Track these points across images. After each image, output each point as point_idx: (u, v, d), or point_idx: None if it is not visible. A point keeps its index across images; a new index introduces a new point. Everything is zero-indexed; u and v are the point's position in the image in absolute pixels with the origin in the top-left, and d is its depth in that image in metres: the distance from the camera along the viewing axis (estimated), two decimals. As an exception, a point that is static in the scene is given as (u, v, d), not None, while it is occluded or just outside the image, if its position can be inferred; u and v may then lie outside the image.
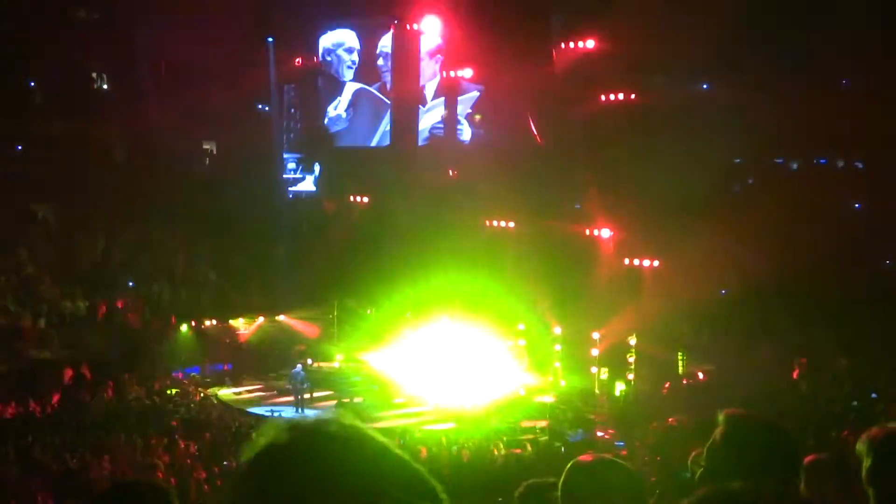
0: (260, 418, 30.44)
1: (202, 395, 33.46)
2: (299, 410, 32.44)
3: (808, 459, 4.64)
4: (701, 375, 32.87)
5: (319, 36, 42.41)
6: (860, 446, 3.84)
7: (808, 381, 29.09)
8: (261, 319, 39.07)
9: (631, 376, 33.32)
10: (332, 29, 42.43)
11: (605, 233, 35.96)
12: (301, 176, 45.24)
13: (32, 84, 44.74)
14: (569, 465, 3.88)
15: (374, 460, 1.87)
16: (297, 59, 43.93)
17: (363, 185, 42.37)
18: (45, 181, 40.61)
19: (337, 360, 37.77)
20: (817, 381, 28.91)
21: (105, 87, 46.68)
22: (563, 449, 26.28)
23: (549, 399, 32.93)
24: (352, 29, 42.23)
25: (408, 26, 40.29)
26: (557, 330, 35.08)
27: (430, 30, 40.50)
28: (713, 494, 1.99)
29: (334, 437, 1.88)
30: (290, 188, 45.63)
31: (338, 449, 1.86)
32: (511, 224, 37.94)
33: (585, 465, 3.90)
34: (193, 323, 37.63)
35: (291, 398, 33.35)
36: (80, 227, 41.00)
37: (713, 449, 3.85)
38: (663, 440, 23.47)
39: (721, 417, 3.88)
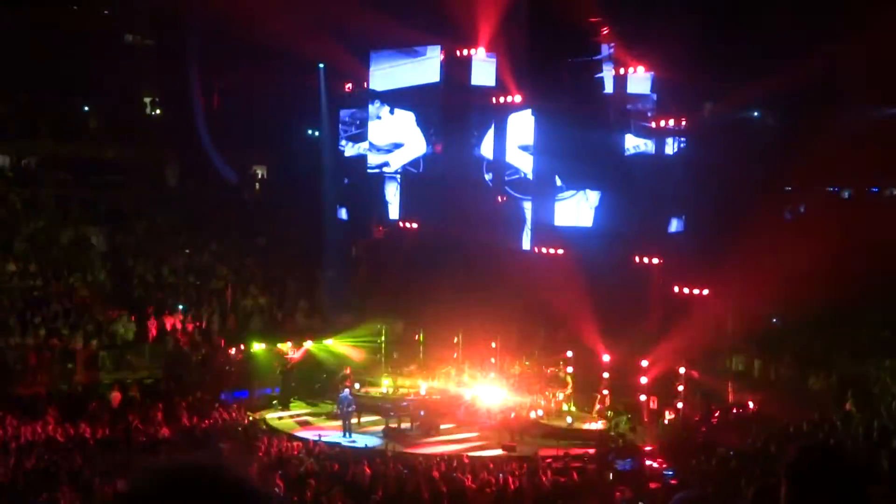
0: (307, 442, 30.51)
1: (250, 418, 33.57)
2: (346, 435, 32.46)
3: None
4: (751, 405, 32.55)
5: (371, 61, 42.42)
6: None
7: (860, 411, 28.70)
8: (309, 343, 39.15)
9: (680, 405, 33.02)
10: (382, 55, 42.44)
11: (655, 260, 35.78)
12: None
13: (87, 108, 45.38)
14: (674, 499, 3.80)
15: None
16: (347, 86, 44.10)
17: (413, 210, 42.41)
18: (98, 205, 41.12)
19: (384, 385, 37.75)
20: (869, 412, 28.53)
21: (158, 112, 47.27)
22: (611, 477, 26.11)
23: (597, 427, 32.75)
24: (402, 55, 42.20)
25: (457, 53, 40.34)
26: (606, 357, 34.87)
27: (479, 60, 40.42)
28: None
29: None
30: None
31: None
32: (560, 251, 37.78)
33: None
34: (242, 346, 37.81)
35: (339, 423, 33.35)
36: (132, 251, 41.44)
37: (791, 484, 3.71)
38: (715, 470, 23.27)
39: (794, 451, 3.77)
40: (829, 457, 3.71)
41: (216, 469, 2.14)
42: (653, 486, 24.68)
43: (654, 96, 37.19)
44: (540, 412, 34.22)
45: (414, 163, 42.45)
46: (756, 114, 38.82)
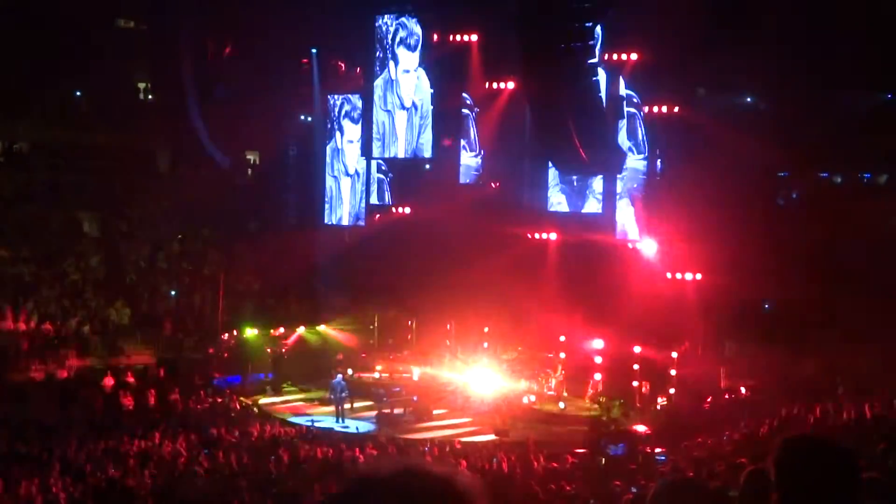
0: (300, 428, 30.51)
1: (243, 404, 33.57)
2: (339, 420, 32.49)
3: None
4: (743, 390, 32.59)
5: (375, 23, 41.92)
6: None
7: (852, 397, 28.71)
8: (301, 329, 39.17)
9: (672, 390, 33.06)
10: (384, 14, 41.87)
11: (648, 246, 35.75)
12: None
13: (78, 93, 45.20)
14: (658, 483, 3.87)
15: None
16: (339, 66, 43.96)
17: (405, 196, 42.29)
18: (91, 190, 41.00)
19: (377, 371, 37.78)
20: (861, 397, 28.54)
21: (150, 97, 47.11)
22: (603, 462, 26.12)
23: (589, 412, 32.77)
24: (405, 15, 41.63)
25: (451, 37, 40.20)
26: (599, 343, 34.89)
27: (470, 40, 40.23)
28: None
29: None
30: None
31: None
32: (553, 236, 37.74)
33: (673, 485, 3.94)
34: (235, 332, 37.80)
35: (331, 408, 33.38)
36: (125, 236, 41.37)
37: (779, 477, 3.68)
38: (706, 455, 23.27)
39: (780, 443, 3.73)
40: (816, 447, 3.69)
41: (445, 477, 2.05)
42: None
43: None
44: (532, 398, 34.25)
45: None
46: (749, 99, 38.74)
